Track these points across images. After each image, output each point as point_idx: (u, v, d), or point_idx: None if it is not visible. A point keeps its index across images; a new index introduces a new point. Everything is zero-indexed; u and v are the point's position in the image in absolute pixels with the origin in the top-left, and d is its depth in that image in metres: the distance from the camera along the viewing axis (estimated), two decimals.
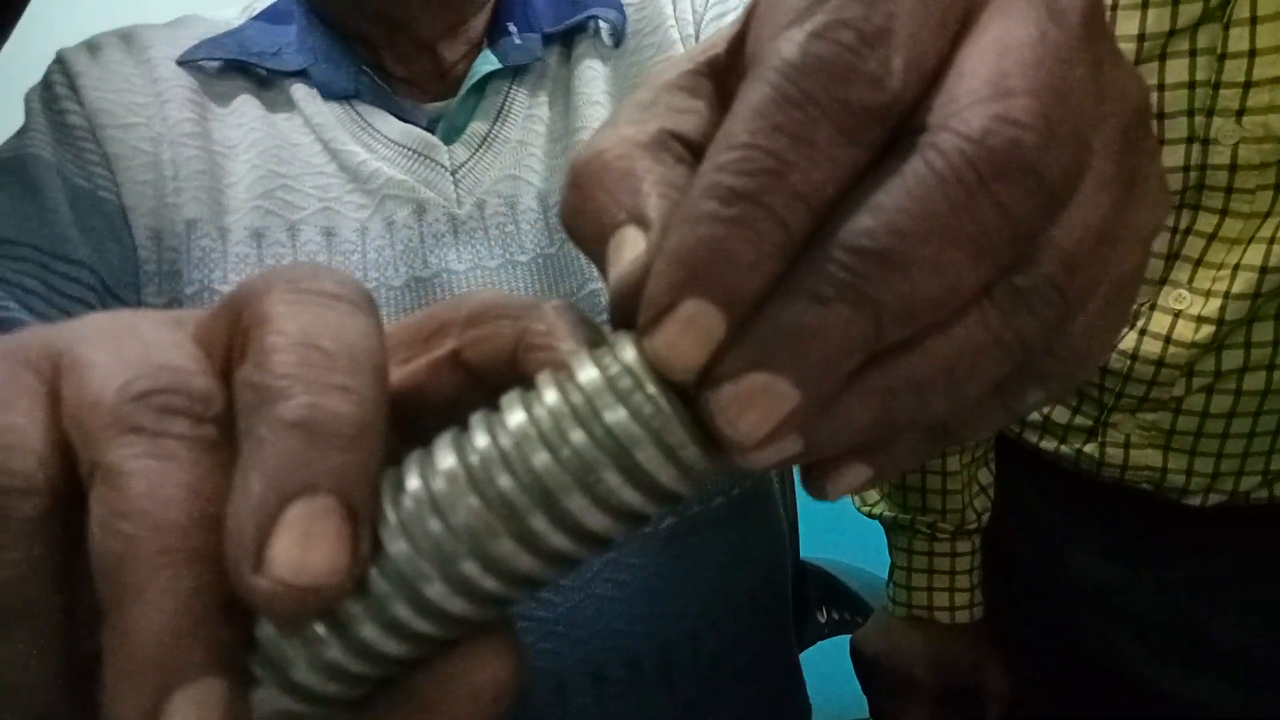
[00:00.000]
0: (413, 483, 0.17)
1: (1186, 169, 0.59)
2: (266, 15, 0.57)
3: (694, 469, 0.17)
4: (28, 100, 0.53)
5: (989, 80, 0.15)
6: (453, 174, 0.54)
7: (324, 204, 0.53)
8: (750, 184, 0.15)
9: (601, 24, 0.57)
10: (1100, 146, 0.16)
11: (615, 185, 0.17)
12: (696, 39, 0.57)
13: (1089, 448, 0.69)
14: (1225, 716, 0.66)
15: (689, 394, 0.16)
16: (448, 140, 0.55)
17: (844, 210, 0.15)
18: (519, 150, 0.56)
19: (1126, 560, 0.70)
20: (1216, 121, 0.57)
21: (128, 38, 0.56)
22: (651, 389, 0.16)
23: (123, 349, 0.17)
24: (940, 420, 0.18)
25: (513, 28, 0.57)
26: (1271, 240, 0.58)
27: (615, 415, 0.16)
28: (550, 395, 0.17)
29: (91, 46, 0.55)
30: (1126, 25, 0.58)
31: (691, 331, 0.15)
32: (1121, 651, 0.71)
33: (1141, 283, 0.22)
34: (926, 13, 0.15)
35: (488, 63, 0.55)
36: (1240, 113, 0.56)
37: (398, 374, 0.19)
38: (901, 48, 0.15)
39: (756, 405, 0.15)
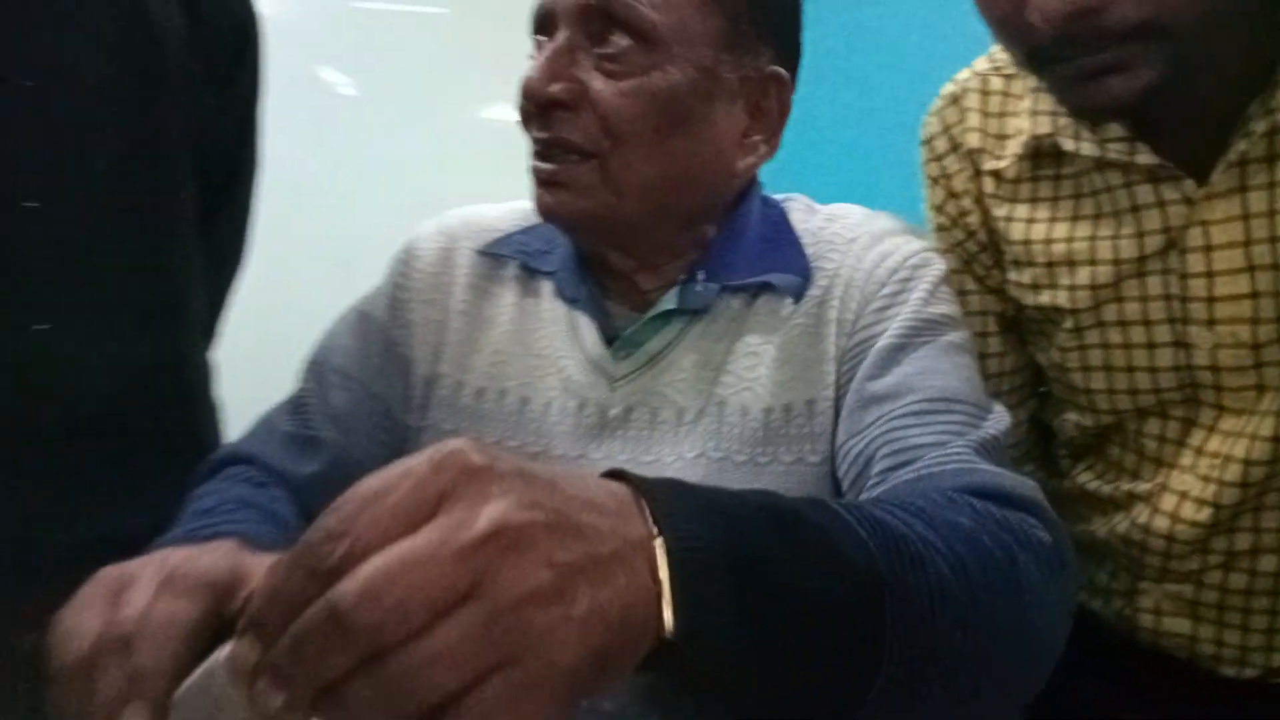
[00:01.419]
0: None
1: (1176, 369, 0.67)
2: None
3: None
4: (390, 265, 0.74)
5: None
6: (611, 384, 0.67)
7: (528, 380, 0.69)
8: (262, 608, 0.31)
9: (779, 288, 0.67)
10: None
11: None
12: (843, 353, 0.65)
13: (1126, 610, 0.74)
14: None
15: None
16: (626, 349, 0.68)
17: None
18: (675, 372, 0.67)
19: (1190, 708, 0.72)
20: (1192, 329, 0.65)
21: (449, 231, 0.74)
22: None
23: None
24: None
25: (701, 276, 0.67)
26: (1254, 436, 0.64)
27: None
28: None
29: (440, 230, 0.74)
30: (1104, 251, 0.68)
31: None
32: None
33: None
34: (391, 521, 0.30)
35: (669, 302, 0.67)
36: (1211, 322, 0.64)
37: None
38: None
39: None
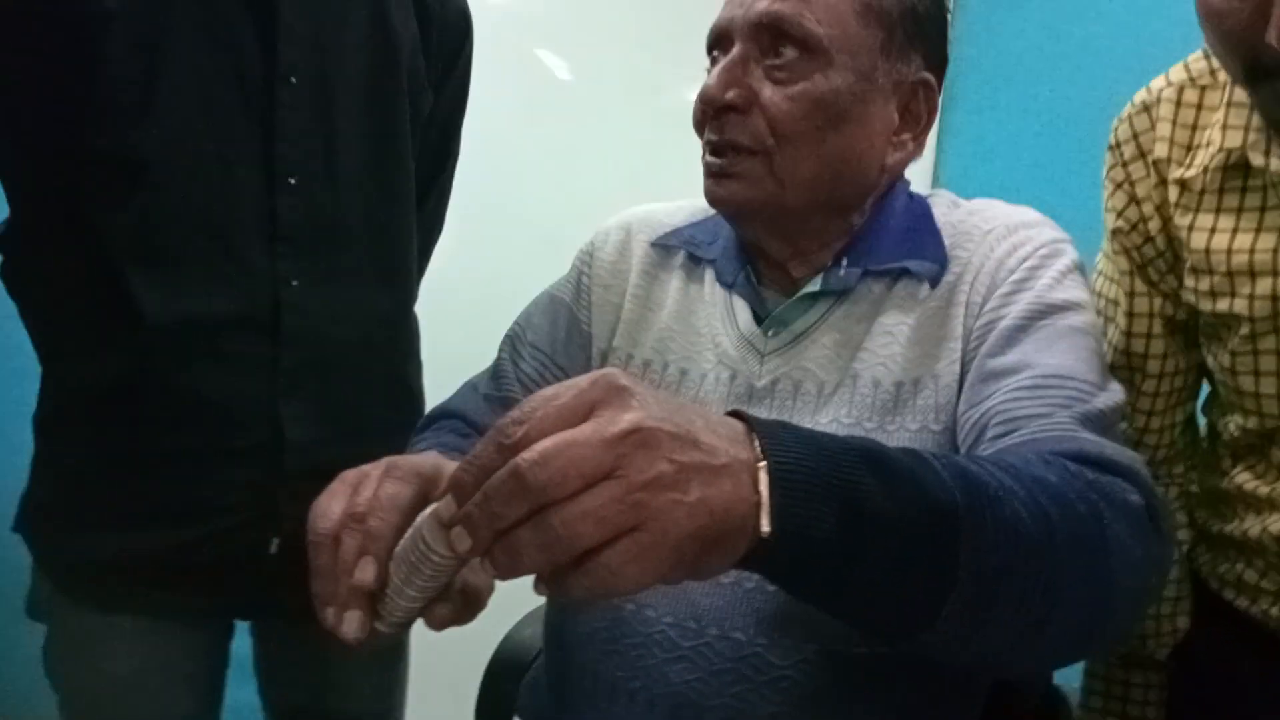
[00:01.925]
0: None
1: None
2: (713, 216, 0.81)
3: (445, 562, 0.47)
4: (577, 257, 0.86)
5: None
6: (761, 358, 0.75)
7: (688, 354, 0.78)
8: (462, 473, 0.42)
9: (916, 273, 0.73)
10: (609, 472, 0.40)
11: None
12: (969, 332, 0.70)
13: (1274, 609, 0.75)
14: None
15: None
16: (775, 327, 0.75)
17: None
18: (817, 349, 0.74)
19: None
20: None
21: (627, 227, 0.85)
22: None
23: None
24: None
25: (845, 262, 0.74)
26: None
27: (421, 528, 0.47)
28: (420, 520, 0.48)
29: (619, 225, 0.86)
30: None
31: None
32: None
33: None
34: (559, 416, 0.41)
35: (814, 285, 0.74)
36: None
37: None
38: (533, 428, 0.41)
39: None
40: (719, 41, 0.73)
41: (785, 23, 0.69)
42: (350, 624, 0.51)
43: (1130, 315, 0.81)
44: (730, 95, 0.70)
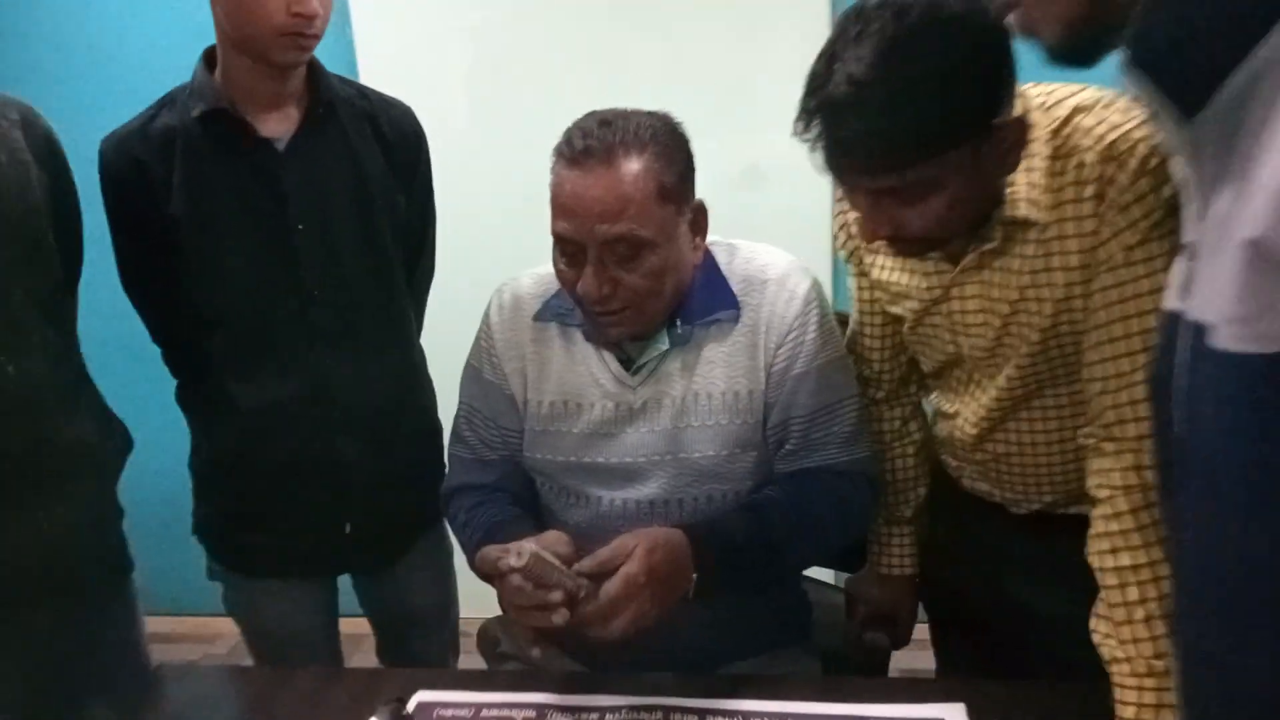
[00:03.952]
0: None
1: (954, 353, 1.11)
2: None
3: None
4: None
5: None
6: (633, 390, 1.14)
7: (580, 393, 1.15)
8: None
9: (724, 319, 1.13)
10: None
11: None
12: (771, 362, 1.14)
13: (956, 474, 1.20)
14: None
15: None
16: (638, 370, 1.14)
17: None
18: (667, 377, 1.14)
19: (996, 537, 1.17)
20: (960, 337, 1.09)
21: (512, 305, 1.19)
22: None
23: None
24: None
25: (679, 322, 1.12)
26: (997, 388, 1.06)
27: None
28: None
29: (501, 305, 1.20)
30: (918, 291, 1.08)
31: None
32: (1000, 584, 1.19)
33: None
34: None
35: (663, 344, 1.12)
36: (968, 334, 1.08)
37: None
38: None
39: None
40: (571, 247, 1.04)
41: (623, 239, 1.02)
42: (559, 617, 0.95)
43: (860, 313, 1.21)
44: (605, 291, 1.04)
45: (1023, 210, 0.93)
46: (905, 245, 0.97)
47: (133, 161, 1.21)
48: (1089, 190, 0.90)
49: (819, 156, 0.88)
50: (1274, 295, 0.48)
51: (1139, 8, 0.51)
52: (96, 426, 1.18)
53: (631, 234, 1.01)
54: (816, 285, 1.15)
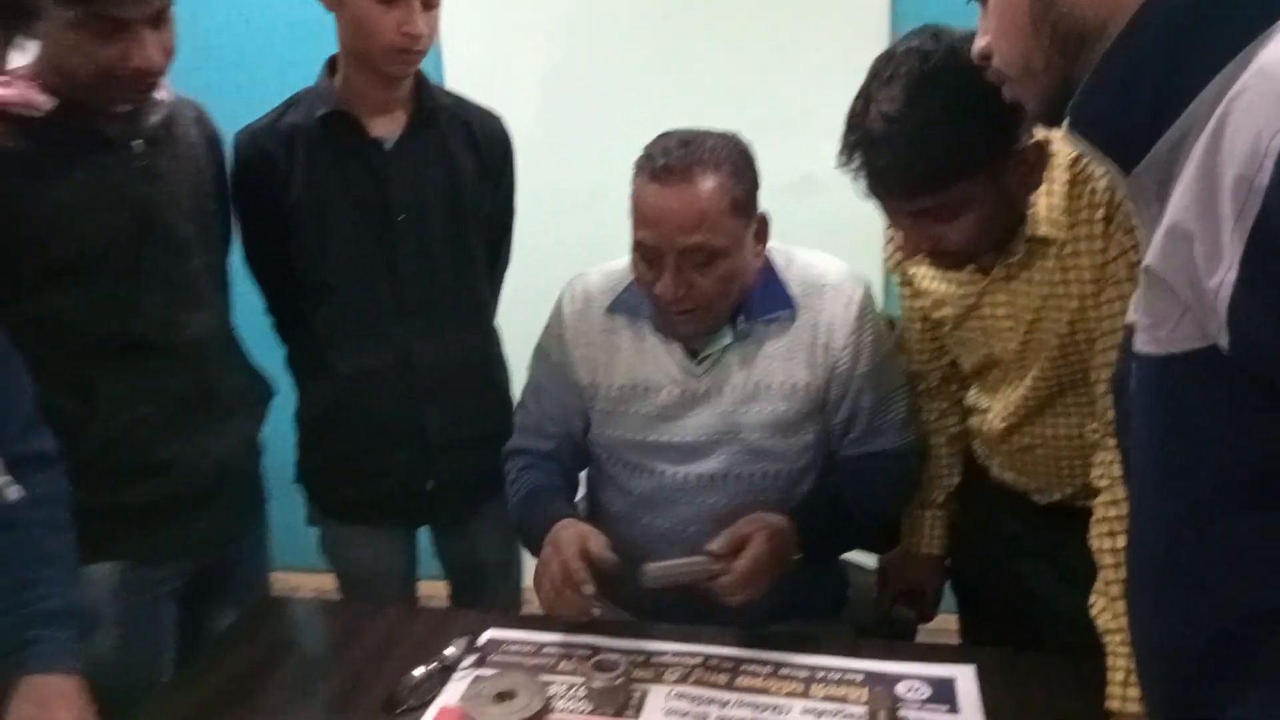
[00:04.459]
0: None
1: (989, 356, 1.23)
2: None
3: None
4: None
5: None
6: (697, 377, 1.28)
7: (647, 378, 1.29)
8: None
9: (781, 318, 1.27)
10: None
11: None
12: (835, 362, 1.27)
13: (985, 463, 1.31)
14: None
15: None
16: (703, 360, 1.28)
17: None
18: (729, 367, 1.28)
19: (1020, 525, 1.28)
20: (993, 340, 1.21)
21: (582, 298, 1.33)
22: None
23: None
24: None
25: (741, 317, 1.26)
26: (1025, 388, 1.16)
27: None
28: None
29: (574, 297, 1.34)
30: (954, 299, 1.19)
31: None
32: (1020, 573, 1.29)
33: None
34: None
35: (726, 338, 1.26)
36: (999, 339, 1.19)
37: None
38: None
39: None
40: (650, 253, 1.18)
41: (702, 248, 1.15)
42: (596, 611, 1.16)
43: (907, 319, 1.33)
44: (681, 293, 1.17)
45: (1043, 229, 1.05)
46: (944, 259, 1.09)
47: (262, 153, 1.38)
48: (1100, 213, 1.02)
49: (861, 184, 1.01)
50: (1163, 311, 0.60)
51: (1084, 81, 0.63)
52: (246, 377, 1.40)
53: (707, 244, 1.15)
54: (868, 290, 1.28)
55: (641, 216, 1.18)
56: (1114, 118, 0.62)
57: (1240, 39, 0.56)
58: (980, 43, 0.74)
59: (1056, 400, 1.16)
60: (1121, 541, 1.01)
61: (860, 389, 1.28)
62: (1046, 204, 1.04)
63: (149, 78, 1.16)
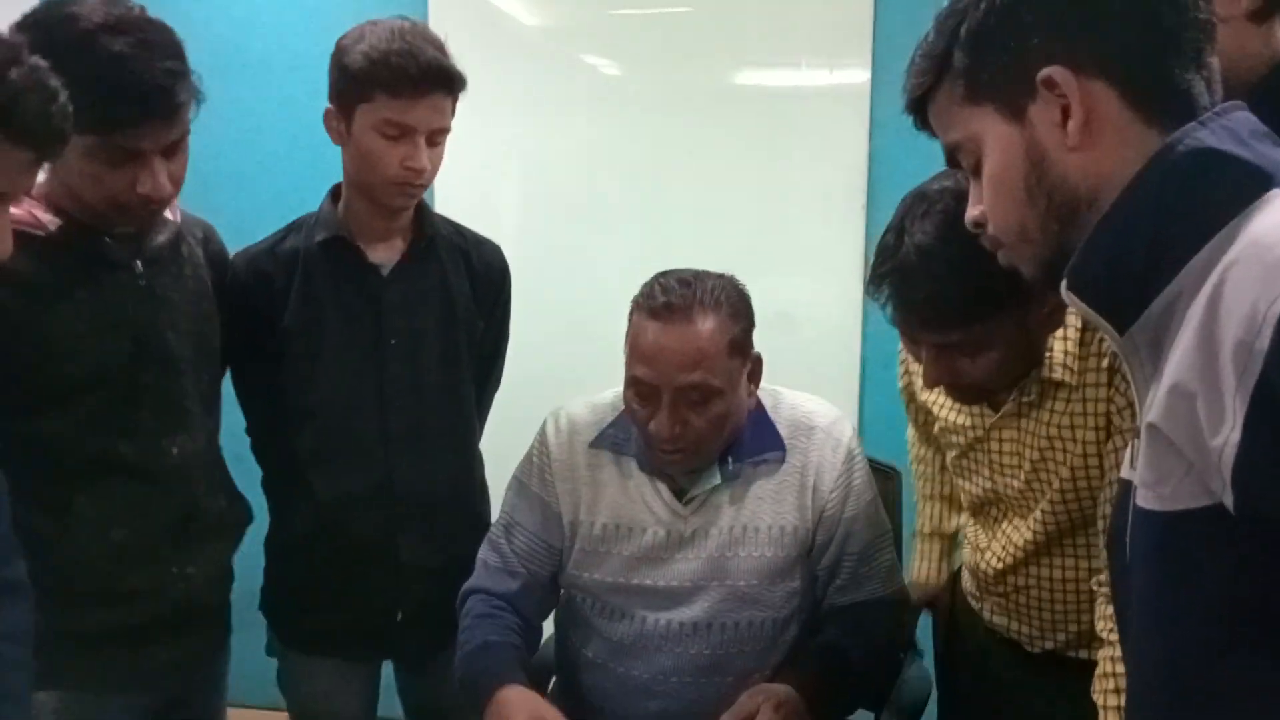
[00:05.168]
0: None
1: (992, 490, 1.23)
2: (622, 414, 1.28)
3: None
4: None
5: None
6: (685, 519, 1.27)
7: (633, 518, 1.27)
8: None
9: (770, 460, 1.27)
10: None
11: None
12: (823, 504, 1.28)
13: (977, 606, 1.31)
14: None
15: None
16: (691, 502, 1.26)
17: None
18: (718, 509, 1.26)
19: (1013, 675, 1.27)
20: (995, 476, 1.22)
21: (568, 431, 1.32)
22: None
23: None
24: None
25: (730, 460, 1.25)
26: (1028, 528, 1.19)
27: None
28: None
29: (559, 429, 1.33)
30: (962, 430, 1.23)
31: None
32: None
33: None
34: None
35: (714, 479, 1.25)
36: (1003, 474, 1.21)
37: None
38: None
39: None
40: (646, 389, 1.18)
41: (698, 387, 1.17)
42: None
43: (914, 434, 1.38)
44: (676, 431, 1.18)
45: (1057, 373, 1.10)
46: (961, 392, 1.13)
47: (260, 274, 1.40)
48: (1105, 362, 1.07)
49: (889, 314, 1.05)
50: (1166, 468, 0.62)
51: (1080, 248, 0.67)
52: (226, 500, 1.36)
53: (705, 383, 1.16)
54: (855, 433, 1.30)
55: (640, 353, 1.18)
56: (1108, 283, 0.66)
57: (1229, 210, 0.60)
58: (973, 212, 0.78)
59: (1055, 544, 1.17)
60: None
61: (847, 534, 1.28)
62: (1061, 348, 1.10)
63: (156, 205, 1.17)
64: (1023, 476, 1.16)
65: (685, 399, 1.17)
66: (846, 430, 1.30)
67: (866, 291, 1.06)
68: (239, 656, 1.46)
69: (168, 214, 1.26)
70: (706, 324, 1.17)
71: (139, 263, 1.21)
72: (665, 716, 1.25)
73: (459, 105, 1.37)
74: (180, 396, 1.26)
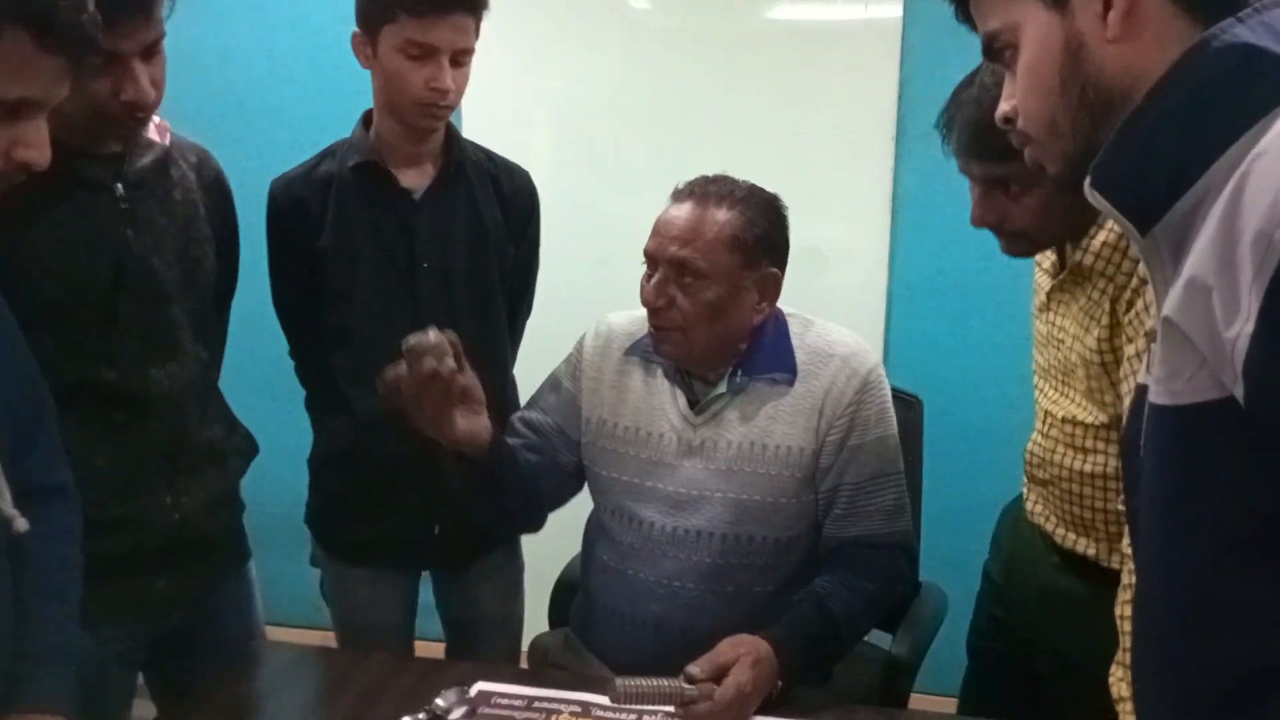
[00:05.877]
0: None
1: None
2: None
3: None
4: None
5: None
6: (694, 428, 1.31)
7: (650, 421, 1.33)
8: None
9: (779, 380, 1.29)
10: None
11: None
12: (829, 427, 1.29)
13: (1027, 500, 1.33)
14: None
15: None
16: (701, 411, 1.31)
17: None
18: (726, 422, 1.30)
19: (1045, 576, 1.28)
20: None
21: (604, 336, 1.38)
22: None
23: None
24: None
25: (739, 372, 1.29)
26: None
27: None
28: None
29: (598, 334, 1.39)
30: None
31: None
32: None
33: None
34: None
35: (722, 388, 1.29)
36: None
37: None
38: None
39: None
40: (650, 261, 1.26)
41: (685, 263, 1.21)
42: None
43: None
44: (661, 302, 1.24)
45: (1088, 260, 1.12)
46: (1009, 239, 1.17)
47: (296, 199, 1.44)
48: (1128, 265, 1.09)
49: (951, 144, 1.14)
50: (1180, 363, 0.61)
51: (1106, 144, 0.66)
52: (223, 431, 1.34)
53: (691, 261, 1.21)
54: (879, 368, 1.30)
55: (654, 228, 1.26)
56: (1133, 181, 0.65)
57: (1262, 108, 0.58)
58: (1005, 106, 0.76)
59: (1081, 436, 1.18)
60: None
61: (848, 462, 1.29)
62: (1101, 239, 1.11)
63: (140, 112, 1.11)
64: (1064, 349, 1.19)
65: (675, 274, 1.22)
66: (868, 362, 1.30)
67: (936, 122, 1.15)
68: (276, 578, 1.51)
69: (154, 136, 1.22)
70: (715, 213, 1.23)
71: (120, 185, 1.17)
72: (667, 618, 1.30)
73: (488, 37, 1.38)
74: (166, 323, 1.22)
